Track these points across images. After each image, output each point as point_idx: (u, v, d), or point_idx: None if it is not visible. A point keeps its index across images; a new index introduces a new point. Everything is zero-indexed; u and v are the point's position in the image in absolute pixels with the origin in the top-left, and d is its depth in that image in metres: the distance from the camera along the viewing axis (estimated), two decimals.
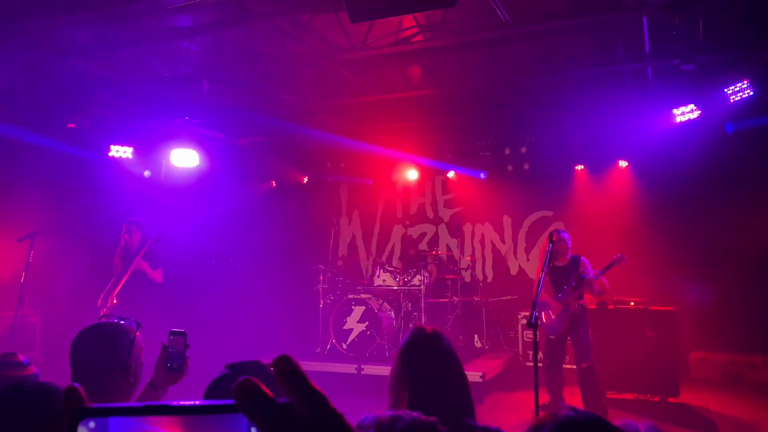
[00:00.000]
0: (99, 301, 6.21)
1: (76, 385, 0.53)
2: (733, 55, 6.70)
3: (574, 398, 6.20)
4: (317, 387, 0.49)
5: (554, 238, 4.63)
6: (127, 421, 0.51)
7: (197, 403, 0.53)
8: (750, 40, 6.46)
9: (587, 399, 5.90)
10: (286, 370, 0.49)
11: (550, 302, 6.16)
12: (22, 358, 2.28)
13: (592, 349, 6.02)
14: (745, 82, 6.81)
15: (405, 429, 1.36)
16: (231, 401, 0.50)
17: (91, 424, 0.51)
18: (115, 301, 6.18)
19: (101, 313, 6.03)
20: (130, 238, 6.66)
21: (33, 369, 2.27)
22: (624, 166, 9.02)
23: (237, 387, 0.48)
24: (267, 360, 2.21)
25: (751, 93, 6.81)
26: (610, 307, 7.03)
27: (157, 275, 6.54)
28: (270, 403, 0.48)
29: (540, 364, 6.71)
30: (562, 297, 6.09)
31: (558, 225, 9.54)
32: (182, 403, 0.52)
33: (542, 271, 4.28)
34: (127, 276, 6.22)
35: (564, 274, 6.14)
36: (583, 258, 6.16)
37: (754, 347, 7.80)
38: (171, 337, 2.28)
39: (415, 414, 1.42)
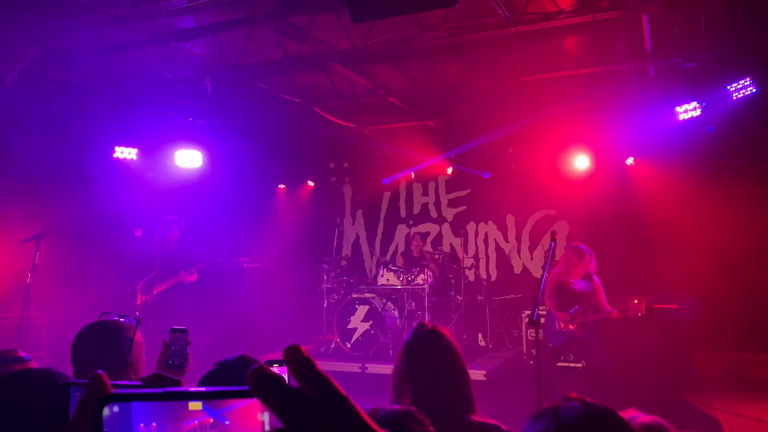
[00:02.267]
0: (138, 286, 7.16)
1: (100, 372, 0.56)
2: (735, 53, 6.68)
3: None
4: (325, 373, 0.52)
5: (556, 237, 4.62)
6: (148, 406, 0.56)
7: (215, 389, 0.57)
8: (753, 37, 6.45)
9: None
10: (297, 358, 0.52)
11: (555, 314, 6.11)
12: (22, 353, 2.30)
13: (600, 350, 5.93)
14: (748, 79, 6.80)
15: (386, 417, 1.41)
16: (245, 387, 0.53)
17: (115, 409, 0.55)
18: (154, 295, 7.16)
19: (138, 302, 7.04)
20: (170, 234, 7.46)
21: (33, 364, 2.29)
22: (628, 163, 9.01)
23: (251, 374, 0.51)
24: (272, 357, 2.24)
25: (754, 90, 6.80)
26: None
27: (194, 278, 7.39)
28: (282, 389, 0.51)
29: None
30: (568, 316, 6.01)
31: (562, 223, 9.55)
32: (200, 389, 0.56)
33: (544, 268, 4.29)
34: (171, 282, 7.20)
35: (576, 292, 6.05)
36: (596, 278, 6.04)
37: (759, 345, 7.78)
38: (172, 335, 2.30)
39: (396, 406, 1.47)
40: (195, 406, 0.56)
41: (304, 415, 0.50)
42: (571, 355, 6.91)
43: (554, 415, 1.10)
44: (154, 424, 0.55)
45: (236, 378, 1.84)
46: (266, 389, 0.51)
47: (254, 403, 0.55)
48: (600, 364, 5.87)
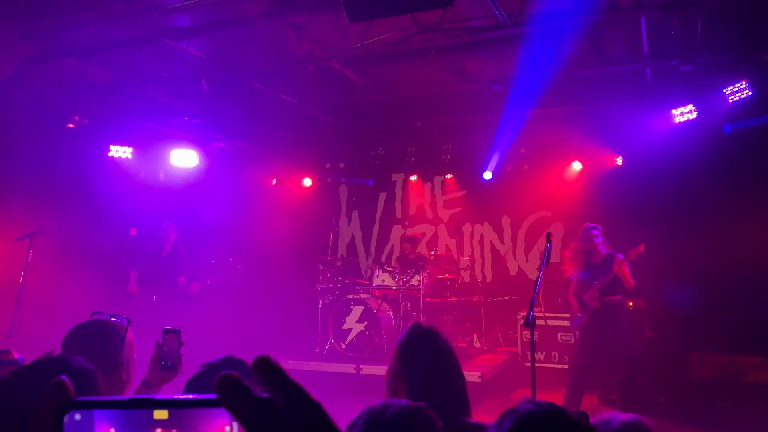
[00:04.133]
0: (129, 287, 7.57)
1: (63, 377, 0.54)
2: (731, 56, 6.70)
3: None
4: (295, 381, 0.50)
5: (552, 238, 4.61)
6: (113, 415, 0.53)
7: (181, 397, 0.54)
8: (748, 41, 6.46)
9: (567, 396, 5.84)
10: (265, 366, 0.51)
11: (576, 299, 6.11)
12: (17, 355, 2.27)
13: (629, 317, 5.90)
14: (744, 82, 6.81)
15: (395, 415, 1.39)
16: (213, 396, 0.51)
17: (77, 417, 0.52)
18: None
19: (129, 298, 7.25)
20: (167, 238, 7.71)
21: None
22: (623, 166, 9.02)
23: (218, 382, 0.50)
24: None
25: (750, 93, 6.81)
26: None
27: (194, 288, 7.69)
28: (250, 397, 0.50)
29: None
30: (588, 294, 5.97)
31: (557, 225, 9.55)
32: (166, 397, 0.54)
33: (540, 270, 4.28)
34: (171, 289, 7.46)
35: (598, 271, 5.96)
36: (618, 254, 5.96)
37: (753, 348, 7.79)
38: (165, 336, 2.28)
39: (404, 401, 1.44)
40: (160, 414, 0.53)
41: (271, 424, 0.49)
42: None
43: (512, 414, 1.11)
44: (112, 430, 0.53)
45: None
46: (233, 398, 0.50)
47: (221, 412, 0.53)
48: (630, 336, 5.80)
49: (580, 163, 9.34)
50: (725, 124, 7.35)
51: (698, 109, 7.36)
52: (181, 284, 7.53)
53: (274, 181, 11.23)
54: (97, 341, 2.13)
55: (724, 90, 6.93)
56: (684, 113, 7.45)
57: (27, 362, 2.27)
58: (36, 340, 7.33)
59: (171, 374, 2.28)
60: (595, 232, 6.07)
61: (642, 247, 5.81)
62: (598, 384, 6.82)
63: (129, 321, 2.21)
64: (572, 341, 7.63)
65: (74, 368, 1.46)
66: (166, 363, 2.28)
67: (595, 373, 6.22)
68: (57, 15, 5.71)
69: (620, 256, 5.94)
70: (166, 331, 2.28)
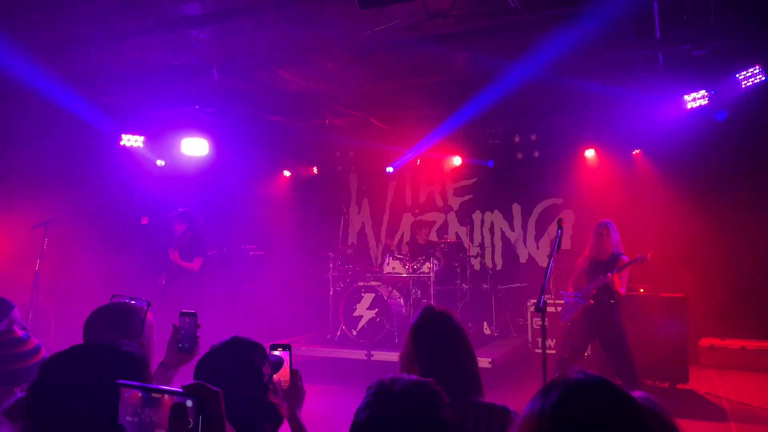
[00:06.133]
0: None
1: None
2: (744, 41, 6.62)
3: None
4: None
5: (563, 224, 4.59)
6: None
7: None
8: (762, 25, 6.38)
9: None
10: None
11: (573, 288, 6.12)
12: (20, 333, 2.31)
13: (617, 315, 5.84)
14: (758, 67, 6.74)
15: (404, 388, 1.44)
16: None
17: None
18: (162, 283, 7.27)
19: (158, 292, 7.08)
20: (179, 227, 7.42)
21: (34, 341, 2.31)
22: (635, 152, 8.98)
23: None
24: (276, 342, 2.26)
25: (763, 78, 6.74)
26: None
27: (193, 265, 7.25)
28: None
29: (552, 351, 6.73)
30: (584, 289, 6.00)
31: (568, 212, 9.54)
32: None
33: (551, 256, 4.29)
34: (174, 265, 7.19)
35: (602, 269, 5.93)
36: (624, 256, 5.93)
37: (764, 333, 7.78)
38: (182, 319, 2.32)
39: (414, 377, 1.50)
40: None
41: None
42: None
43: (561, 383, 1.13)
44: None
45: (227, 359, 1.87)
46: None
47: None
48: (617, 331, 5.79)
49: (591, 149, 9.30)
50: (719, 112, 7.24)
51: (711, 95, 7.29)
52: (173, 258, 7.13)
53: (286, 172, 11.27)
54: (118, 324, 2.17)
55: (738, 75, 6.85)
56: (696, 99, 7.38)
57: (33, 338, 2.32)
58: (52, 327, 7.45)
59: (188, 356, 2.33)
60: (606, 230, 6.00)
61: (648, 255, 5.76)
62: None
63: (149, 303, 2.25)
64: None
65: (123, 351, 1.50)
66: (183, 345, 2.32)
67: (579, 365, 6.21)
68: (70, 3, 5.74)
69: (625, 258, 5.91)
70: (182, 314, 2.32)
